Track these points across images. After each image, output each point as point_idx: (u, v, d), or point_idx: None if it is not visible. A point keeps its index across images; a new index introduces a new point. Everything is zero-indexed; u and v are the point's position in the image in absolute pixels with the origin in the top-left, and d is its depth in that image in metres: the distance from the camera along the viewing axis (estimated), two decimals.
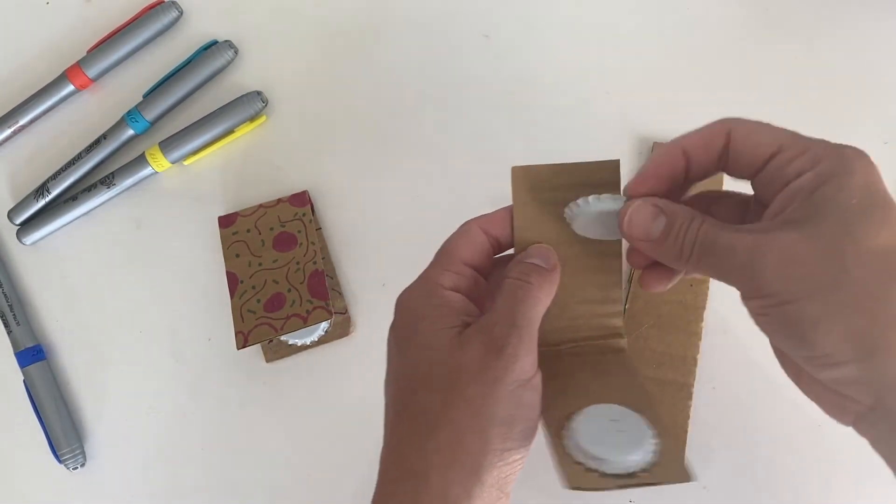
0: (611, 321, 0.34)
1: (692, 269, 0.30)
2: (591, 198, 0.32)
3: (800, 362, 0.28)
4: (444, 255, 0.33)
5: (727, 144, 0.29)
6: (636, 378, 0.33)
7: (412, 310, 0.32)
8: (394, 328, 0.33)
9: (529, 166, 0.33)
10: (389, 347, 0.33)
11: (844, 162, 0.27)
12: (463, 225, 0.34)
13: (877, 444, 0.28)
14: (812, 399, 0.30)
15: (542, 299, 0.32)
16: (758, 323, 0.28)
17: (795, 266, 0.26)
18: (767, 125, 0.29)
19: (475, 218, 0.34)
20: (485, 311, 0.33)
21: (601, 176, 0.33)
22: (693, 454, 0.44)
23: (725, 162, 0.30)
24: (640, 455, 0.28)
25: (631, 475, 0.28)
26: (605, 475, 0.28)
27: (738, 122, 0.29)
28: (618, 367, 0.34)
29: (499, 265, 0.34)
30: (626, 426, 0.29)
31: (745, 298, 0.28)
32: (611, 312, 0.34)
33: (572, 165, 0.33)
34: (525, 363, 0.29)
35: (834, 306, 0.25)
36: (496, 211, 0.34)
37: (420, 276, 0.33)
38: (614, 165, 0.33)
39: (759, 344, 0.45)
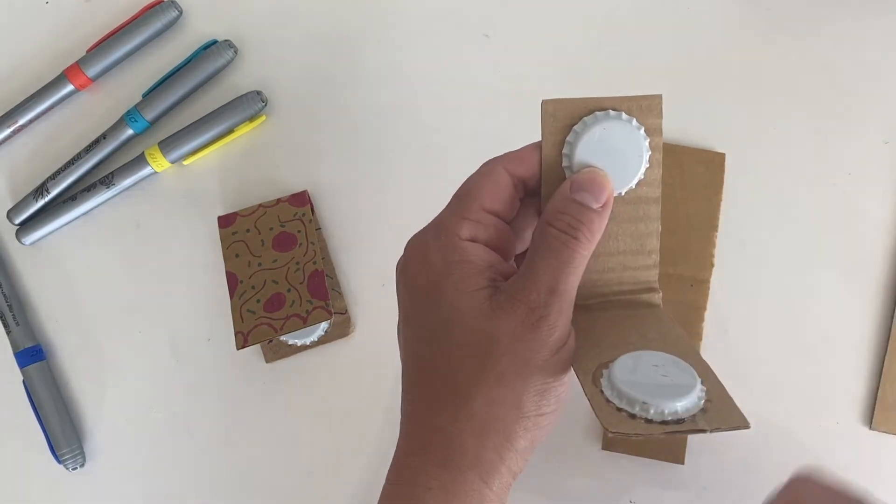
0: (645, 274, 0.31)
1: None
2: (598, 113, 0.29)
3: None
4: (462, 199, 0.30)
5: None
6: (675, 329, 0.30)
7: (430, 263, 0.29)
8: (406, 276, 0.30)
9: (561, 99, 0.29)
10: (401, 295, 0.31)
11: None
12: (484, 164, 0.30)
13: None
14: None
15: (588, 256, 0.28)
16: None
17: None
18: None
19: (498, 156, 0.30)
20: (510, 255, 0.30)
21: (640, 112, 0.30)
22: (693, 453, 0.44)
23: None
24: (688, 401, 0.26)
25: (680, 422, 0.25)
26: (650, 421, 0.25)
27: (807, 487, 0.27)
28: (653, 319, 0.31)
29: (531, 198, 0.31)
30: (670, 372, 0.27)
31: None
32: (645, 265, 0.31)
33: (609, 99, 0.29)
34: (562, 331, 0.28)
35: None
36: (522, 148, 0.30)
37: (434, 222, 0.30)
38: (656, 100, 0.29)
39: (758, 344, 0.45)
